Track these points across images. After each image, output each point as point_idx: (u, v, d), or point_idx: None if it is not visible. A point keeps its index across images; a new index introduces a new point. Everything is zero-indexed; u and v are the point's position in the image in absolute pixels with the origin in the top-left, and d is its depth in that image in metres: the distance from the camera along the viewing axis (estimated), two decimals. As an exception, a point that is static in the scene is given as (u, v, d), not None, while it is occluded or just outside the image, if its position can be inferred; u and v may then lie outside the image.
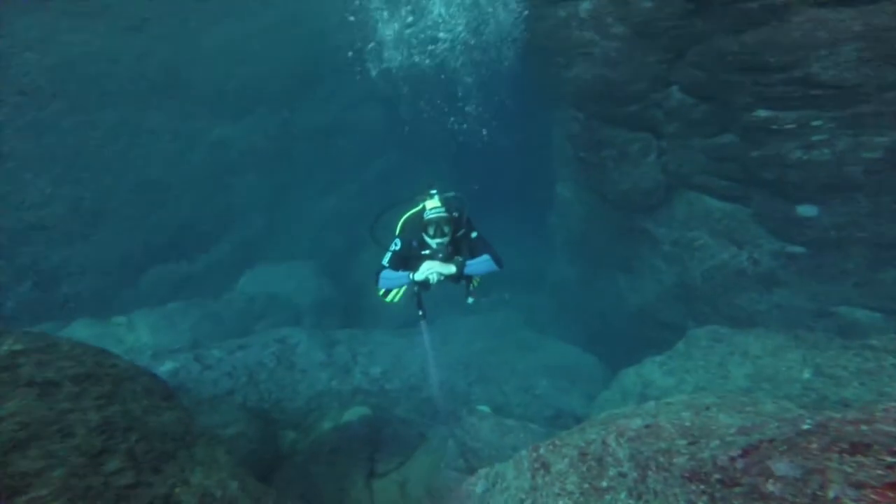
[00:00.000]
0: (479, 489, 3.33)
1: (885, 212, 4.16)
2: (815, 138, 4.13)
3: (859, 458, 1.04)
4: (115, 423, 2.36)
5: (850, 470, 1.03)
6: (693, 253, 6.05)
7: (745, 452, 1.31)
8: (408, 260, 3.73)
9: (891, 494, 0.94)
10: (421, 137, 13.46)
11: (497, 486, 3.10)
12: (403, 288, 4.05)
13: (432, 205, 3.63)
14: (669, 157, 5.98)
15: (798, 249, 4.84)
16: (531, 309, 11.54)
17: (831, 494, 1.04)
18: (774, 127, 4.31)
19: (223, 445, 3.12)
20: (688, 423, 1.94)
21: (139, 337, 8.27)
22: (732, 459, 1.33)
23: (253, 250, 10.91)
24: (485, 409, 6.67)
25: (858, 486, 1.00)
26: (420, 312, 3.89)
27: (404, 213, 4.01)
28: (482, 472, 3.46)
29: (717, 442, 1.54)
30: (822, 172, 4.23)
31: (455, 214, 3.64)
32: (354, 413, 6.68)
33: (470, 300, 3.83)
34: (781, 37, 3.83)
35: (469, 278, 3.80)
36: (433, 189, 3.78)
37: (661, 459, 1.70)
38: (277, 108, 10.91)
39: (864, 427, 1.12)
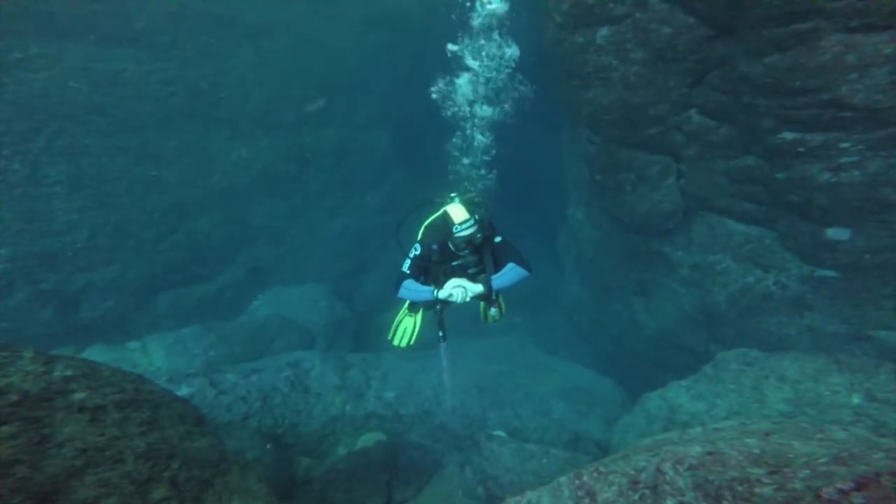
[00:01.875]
0: (511, 520, 3.19)
1: None
2: (843, 160, 4.16)
3: None
4: (159, 449, 2.31)
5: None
6: (715, 277, 6.02)
7: (859, 486, 1.26)
8: (428, 267, 3.55)
9: None
10: (429, 158, 13.67)
11: (535, 516, 2.98)
12: (416, 334, 3.95)
13: (459, 217, 3.38)
14: (689, 179, 6.03)
15: (829, 273, 4.80)
16: (543, 331, 11.45)
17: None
18: (801, 149, 4.34)
19: (255, 472, 3.04)
20: (756, 451, 1.88)
21: (153, 361, 8.22)
22: (845, 493, 1.28)
23: (265, 273, 10.95)
24: (501, 434, 6.53)
25: None
26: (441, 334, 3.66)
27: (426, 218, 3.82)
28: (512, 500, 3.31)
29: (807, 472, 1.49)
30: (852, 195, 4.24)
31: (483, 226, 3.45)
32: (370, 439, 6.55)
33: (493, 311, 3.60)
34: (809, 60, 3.89)
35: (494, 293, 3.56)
36: (453, 192, 3.65)
37: (740, 489, 1.64)
38: (290, 130, 11.14)
39: None
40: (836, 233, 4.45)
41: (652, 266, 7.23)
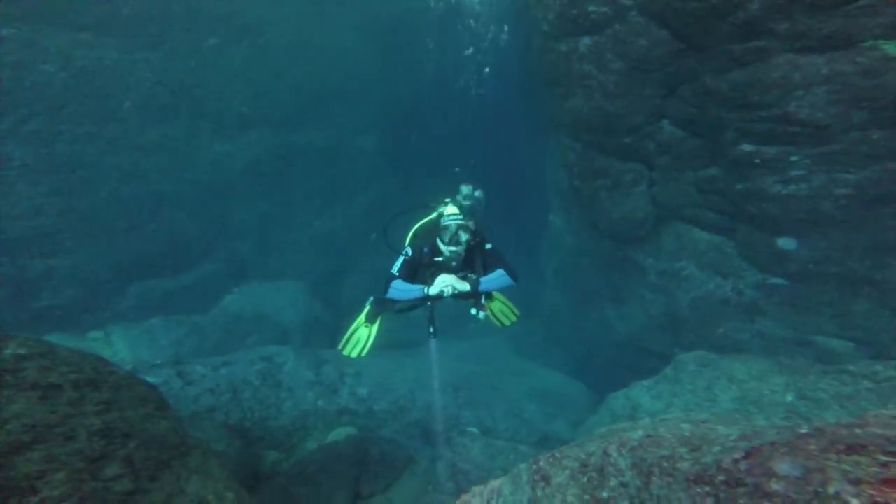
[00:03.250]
0: (473, 507, 3.29)
1: (856, 248, 4.42)
2: (793, 173, 4.42)
3: (856, 457, 1.14)
4: (115, 428, 2.33)
5: (848, 468, 1.13)
6: (680, 283, 6.26)
7: (747, 455, 1.40)
8: (418, 269, 3.61)
9: (886, 489, 1.05)
10: (417, 164, 13.78)
11: (492, 502, 3.08)
12: (369, 344, 4.00)
13: (451, 211, 3.55)
14: (660, 188, 6.27)
15: (779, 281, 5.08)
16: (521, 336, 11.60)
17: (832, 491, 1.13)
18: (757, 161, 4.60)
19: (217, 458, 3.05)
20: (687, 434, 2.02)
21: (116, 352, 8.04)
22: (736, 462, 1.42)
23: (243, 268, 10.83)
24: (474, 430, 6.62)
25: (857, 482, 1.09)
26: (431, 330, 3.64)
27: (417, 222, 3.89)
28: (476, 489, 3.42)
29: (718, 448, 1.63)
30: (799, 207, 4.50)
31: (471, 224, 3.54)
32: (340, 433, 6.54)
33: (481, 314, 3.61)
34: (764, 77, 4.16)
35: (481, 294, 3.62)
36: (447, 198, 3.75)
37: (665, 465, 1.78)
38: (278, 128, 11.11)
39: (858, 430, 1.23)
40: (785, 243, 4.72)
41: (625, 272, 7.45)
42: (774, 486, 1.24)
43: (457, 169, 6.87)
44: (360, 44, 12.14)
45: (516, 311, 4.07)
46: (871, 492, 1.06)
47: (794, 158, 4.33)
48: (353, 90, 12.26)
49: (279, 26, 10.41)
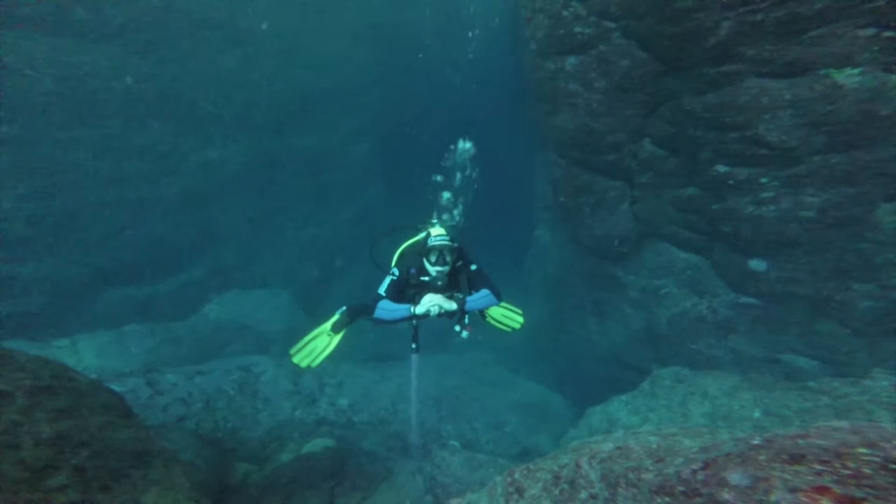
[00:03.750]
0: (449, 520, 3.25)
1: (821, 270, 4.56)
2: (763, 195, 4.57)
3: (797, 466, 1.17)
4: (69, 437, 2.24)
5: (788, 477, 1.17)
6: (660, 301, 6.35)
7: (705, 466, 1.42)
8: (405, 289, 3.68)
9: (816, 496, 1.08)
10: (408, 173, 13.83)
11: (467, 515, 3.05)
12: (324, 356, 3.98)
13: (437, 232, 3.65)
14: (641, 206, 6.40)
15: (751, 300, 5.19)
16: (504, 349, 11.59)
17: (773, 499, 1.16)
18: (731, 182, 4.75)
19: (180, 467, 2.94)
20: (654, 446, 2.03)
21: (82, 359, 7.79)
22: (694, 472, 1.43)
23: (226, 276, 10.64)
24: (455, 444, 6.54)
25: (794, 490, 1.13)
26: (414, 346, 3.73)
27: (404, 243, 3.95)
28: (454, 501, 3.40)
29: (681, 459, 1.64)
30: (769, 228, 4.64)
31: (457, 245, 3.65)
32: (317, 444, 6.40)
33: (465, 334, 3.64)
34: (735, 99, 4.34)
35: (466, 313, 3.68)
36: (434, 219, 3.83)
37: (631, 476, 1.78)
38: (268, 136, 11.08)
39: (801, 441, 1.27)
40: (756, 264, 4.85)
41: (607, 288, 7.54)
42: (725, 495, 1.26)
43: (438, 178, 6.95)
44: (352, 51, 12.25)
45: (518, 311, 4.19)
46: (804, 499, 1.09)
47: (763, 180, 4.48)
48: (345, 97, 12.32)
49: (270, 33, 10.46)
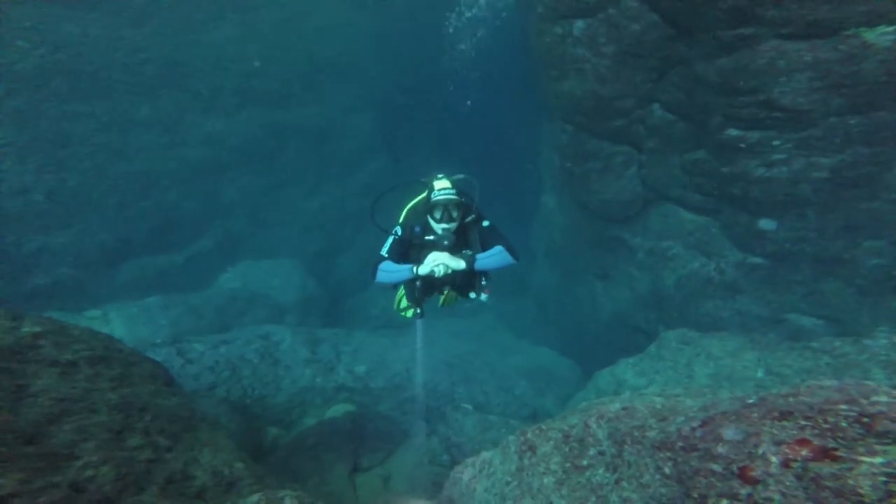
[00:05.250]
0: (465, 477, 3.52)
1: (829, 229, 4.64)
2: (775, 157, 4.58)
3: (784, 422, 1.33)
4: (131, 403, 2.49)
5: (776, 432, 1.33)
6: (666, 262, 6.47)
7: (703, 423, 1.59)
8: (409, 249, 3.34)
9: (797, 447, 1.25)
10: (413, 143, 13.71)
11: (484, 471, 3.32)
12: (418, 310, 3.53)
13: (441, 185, 3.24)
14: (648, 170, 6.40)
15: (758, 260, 5.31)
16: (513, 314, 11.89)
17: (760, 451, 1.33)
18: (742, 145, 4.75)
19: (223, 430, 3.24)
20: (659, 406, 2.22)
21: (114, 330, 8.15)
22: (693, 429, 1.61)
23: (237, 246, 10.90)
24: (467, 406, 6.91)
25: (779, 443, 1.30)
26: (418, 310, 3.41)
27: (409, 201, 3.58)
28: (469, 460, 3.65)
29: (682, 418, 1.82)
30: (779, 189, 4.68)
31: (464, 199, 3.26)
32: (338, 409, 6.80)
33: (483, 297, 3.29)
34: (750, 63, 4.25)
35: (480, 274, 3.31)
36: (440, 173, 3.40)
37: (636, 434, 1.98)
38: (271, 107, 10.99)
39: (791, 399, 1.42)
40: (765, 223, 4.93)
41: (613, 251, 7.65)
42: (720, 449, 1.44)
43: (453, 148, 6.70)
44: (351, 18, 11.89)
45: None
46: (787, 450, 1.25)
47: (776, 143, 4.48)
48: (347, 67, 12.08)
49: (273, 2, 10.17)
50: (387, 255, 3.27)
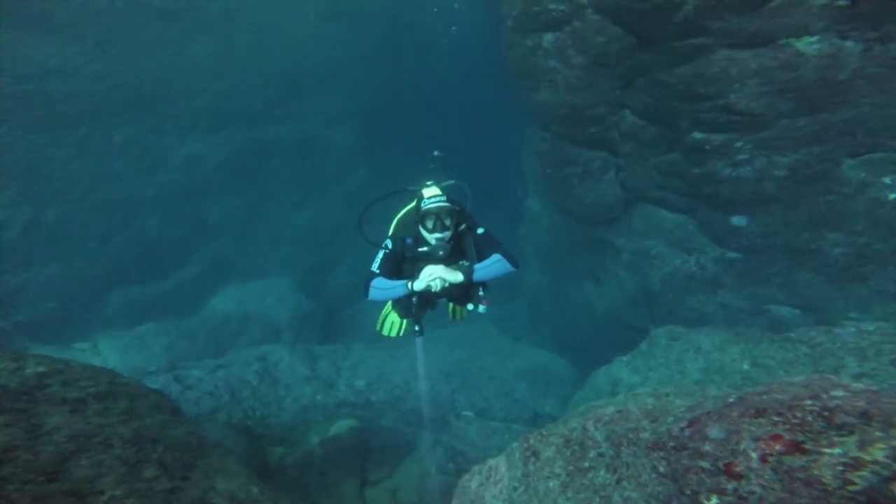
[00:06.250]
0: (474, 485, 3.63)
1: (795, 222, 4.94)
2: (739, 157, 4.89)
3: (760, 419, 1.49)
4: (143, 435, 2.56)
5: (753, 429, 1.49)
6: (651, 261, 6.71)
7: (690, 423, 1.75)
8: (402, 263, 3.18)
9: (772, 443, 1.41)
10: (396, 152, 13.82)
11: (491, 478, 3.44)
12: (405, 324, 3.53)
13: (431, 193, 3.04)
14: (626, 173, 6.64)
15: (735, 255, 5.59)
16: (506, 317, 12.04)
17: (742, 447, 1.49)
18: (708, 147, 5.05)
19: (233, 455, 3.30)
20: (650, 407, 2.38)
21: (106, 360, 8.09)
22: (682, 429, 1.77)
23: (226, 268, 10.85)
24: (469, 414, 7.03)
25: (756, 439, 1.46)
26: (417, 328, 3.24)
27: (398, 212, 3.41)
28: (475, 468, 3.75)
29: (671, 419, 1.98)
30: (746, 187, 4.99)
31: (457, 207, 3.09)
32: (342, 425, 6.85)
33: (482, 308, 3.12)
34: (706, 71, 4.58)
35: (478, 285, 3.12)
36: (429, 180, 3.22)
37: (631, 436, 2.13)
38: (250, 125, 11.01)
39: (764, 397, 1.58)
40: (737, 220, 5.25)
41: (600, 252, 7.87)
42: (707, 447, 1.59)
43: (436, 153, 6.76)
44: (328, 32, 12.00)
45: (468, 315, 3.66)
46: (763, 445, 1.41)
47: (738, 144, 4.78)
48: (325, 80, 12.15)
49: (241, 18, 10.20)
50: (378, 271, 3.08)
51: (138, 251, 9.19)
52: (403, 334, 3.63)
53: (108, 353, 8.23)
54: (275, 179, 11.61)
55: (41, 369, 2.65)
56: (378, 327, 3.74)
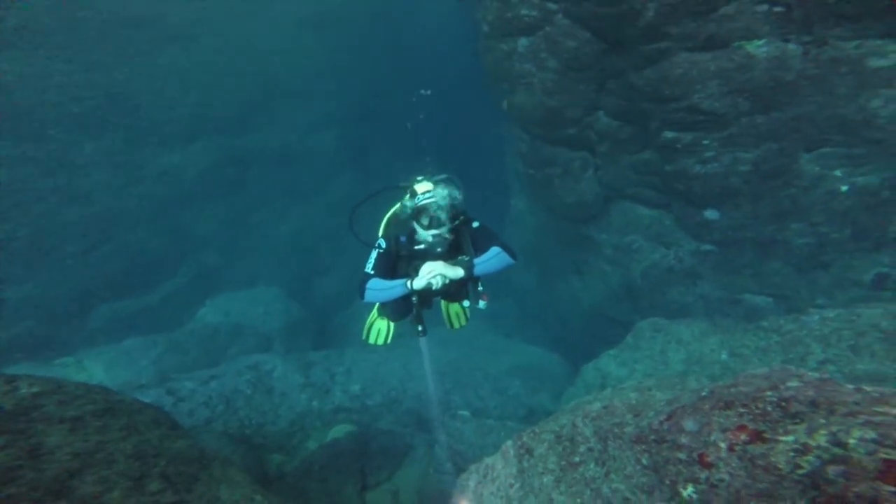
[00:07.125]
0: (472, 483, 3.78)
1: (762, 215, 5.22)
2: (707, 154, 5.15)
3: (727, 411, 1.65)
4: (144, 450, 2.62)
5: (722, 420, 1.64)
6: (632, 255, 6.94)
7: (668, 417, 1.90)
8: (397, 262, 3.10)
9: (738, 433, 1.57)
10: (379, 157, 13.84)
11: (488, 476, 3.59)
12: (392, 330, 3.53)
13: (423, 188, 2.96)
14: (603, 171, 6.86)
15: (709, 247, 5.87)
16: (496, 316, 12.21)
17: (712, 439, 1.65)
18: (678, 146, 5.30)
19: (235, 466, 3.37)
20: (634, 402, 2.55)
21: (92, 377, 7.99)
22: (661, 423, 1.92)
23: (211, 279, 10.76)
24: (465, 413, 7.17)
25: (724, 430, 1.61)
26: (419, 328, 3.15)
27: (388, 210, 3.34)
28: (473, 467, 3.90)
29: (652, 413, 2.14)
30: (715, 183, 5.25)
31: (452, 201, 3.00)
32: (339, 430, 6.92)
33: (482, 304, 3.06)
34: (670, 73, 4.81)
35: (477, 280, 3.07)
36: (419, 176, 3.14)
37: (616, 430, 2.29)
38: (228, 134, 10.92)
39: (732, 389, 1.75)
40: (710, 213, 5.52)
41: (584, 248, 8.09)
42: (683, 439, 1.75)
43: (427, 159, 6.78)
44: (304, 39, 11.95)
45: (468, 316, 3.80)
46: (731, 436, 1.57)
47: (705, 142, 5.05)
48: (303, 86, 12.09)
49: (213, 27, 10.09)
50: (373, 272, 3.01)
51: (120, 266, 9.05)
52: (391, 341, 3.63)
53: (93, 368, 8.11)
54: (257, 188, 11.55)
55: (35, 389, 2.67)
56: (364, 336, 3.71)
